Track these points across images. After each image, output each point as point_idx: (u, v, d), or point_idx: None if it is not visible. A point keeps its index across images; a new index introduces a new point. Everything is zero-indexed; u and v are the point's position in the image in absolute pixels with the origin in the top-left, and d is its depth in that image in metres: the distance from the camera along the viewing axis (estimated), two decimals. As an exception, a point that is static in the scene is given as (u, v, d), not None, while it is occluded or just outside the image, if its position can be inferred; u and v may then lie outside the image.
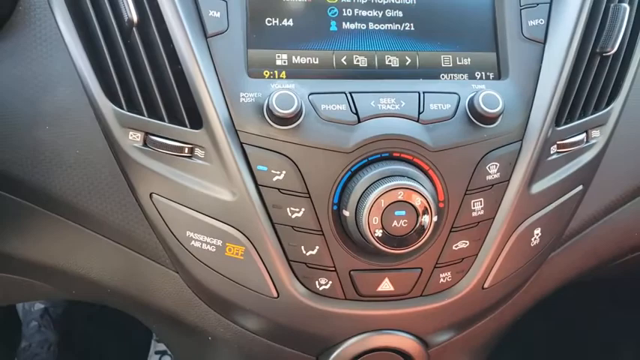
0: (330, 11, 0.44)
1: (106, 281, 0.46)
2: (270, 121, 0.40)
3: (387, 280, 0.43)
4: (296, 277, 0.42)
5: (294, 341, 0.46)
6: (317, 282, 0.42)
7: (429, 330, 0.46)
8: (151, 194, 0.42)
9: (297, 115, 0.40)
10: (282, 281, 0.42)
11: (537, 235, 0.46)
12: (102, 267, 0.46)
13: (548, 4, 0.45)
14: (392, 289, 0.43)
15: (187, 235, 0.42)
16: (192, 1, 0.41)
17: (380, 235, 0.39)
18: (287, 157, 0.40)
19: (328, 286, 0.42)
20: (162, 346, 1.08)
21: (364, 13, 0.44)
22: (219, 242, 0.42)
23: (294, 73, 0.43)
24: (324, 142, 0.40)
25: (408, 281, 0.43)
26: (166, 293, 0.46)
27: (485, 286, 0.45)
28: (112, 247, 0.44)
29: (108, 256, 0.45)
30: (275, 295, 0.42)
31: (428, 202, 0.39)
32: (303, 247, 0.41)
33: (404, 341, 0.45)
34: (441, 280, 0.44)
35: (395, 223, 0.39)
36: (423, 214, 0.39)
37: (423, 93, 0.42)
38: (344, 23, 0.44)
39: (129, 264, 0.45)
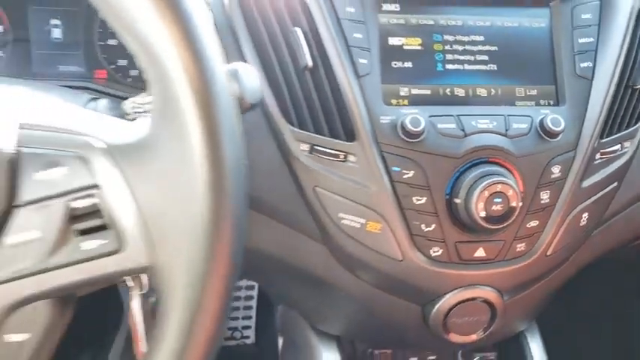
0: (437, 56, 0.62)
1: (272, 253, 0.63)
2: (402, 136, 0.57)
3: (481, 248, 0.60)
4: (416, 246, 0.59)
5: (408, 293, 0.63)
6: (431, 250, 0.59)
7: (507, 286, 0.63)
8: (314, 187, 0.59)
9: (422, 131, 0.57)
10: (406, 249, 0.59)
11: (585, 217, 0.63)
12: (271, 242, 0.63)
13: (594, 52, 0.62)
14: (484, 255, 0.60)
15: (339, 215, 0.59)
16: (348, 52, 0.58)
17: (483, 215, 0.56)
18: (414, 161, 0.57)
19: (439, 253, 0.59)
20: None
21: (461, 57, 0.62)
22: (363, 220, 0.59)
23: (414, 101, 0.60)
24: (440, 151, 0.58)
25: (495, 249, 0.60)
26: (315, 261, 0.63)
27: (548, 253, 0.62)
28: (280, 228, 0.62)
29: (276, 234, 0.62)
30: (400, 258, 0.59)
31: (515, 193, 0.56)
32: (423, 225, 0.58)
33: (489, 293, 0.63)
34: (518, 249, 0.61)
35: (494, 207, 0.56)
36: (512, 201, 0.56)
37: (507, 116, 0.59)
38: (447, 65, 0.62)
39: (291, 239, 0.62)
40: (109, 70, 0.75)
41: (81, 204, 0.31)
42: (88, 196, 0.31)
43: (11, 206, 0.31)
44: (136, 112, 0.39)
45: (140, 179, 0.31)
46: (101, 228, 0.31)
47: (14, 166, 0.31)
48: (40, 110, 0.34)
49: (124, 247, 0.31)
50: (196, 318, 0.31)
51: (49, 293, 0.31)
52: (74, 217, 0.31)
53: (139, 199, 0.31)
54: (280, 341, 0.89)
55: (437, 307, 0.63)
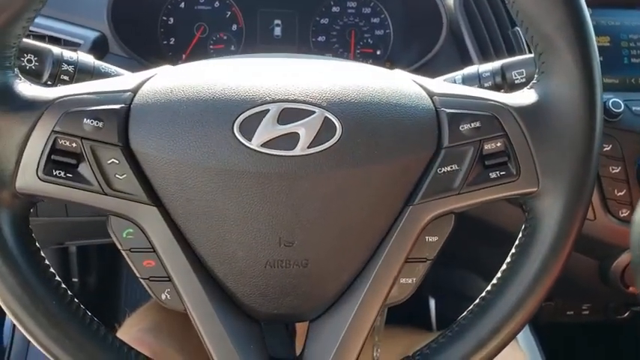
0: (623, 52, 0.74)
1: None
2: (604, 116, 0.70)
3: None
4: (607, 209, 0.71)
5: (591, 249, 0.75)
6: (620, 211, 0.71)
7: None
8: None
9: (622, 112, 0.69)
10: (598, 211, 0.71)
11: None
12: None
13: None
14: None
15: None
16: None
17: None
18: (612, 136, 0.70)
19: (626, 214, 0.71)
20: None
21: None
22: None
23: (606, 88, 0.72)
24: (634, 127, 0.70)
25: None
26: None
27: None
28: None
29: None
30: (592, 219, 0.72)
31: None
32: (615, 190, 0.71)
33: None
34: None
35: None
36: None
37: None
38: (632, 59, 0.74)
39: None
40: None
41: (491, 146, 0.45)
42: (496, 141, 0.45)
43: (439, 148, 0.45)
44: (517, 82, 0.54)
45: (535, 126, 0.45)
46: (503, 163, 0.45)
47: (439, 121, 0.45)
48: (442, 84, 0.49)
49: (519, 176, 0.45)
50: (565, 229, 0.44)
51: (462, 208, 0.45)
52: (484, 155, 0.45)
53: (532, 143, 0.44)
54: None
55: (617, 262, 0.75)
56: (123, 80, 0.46)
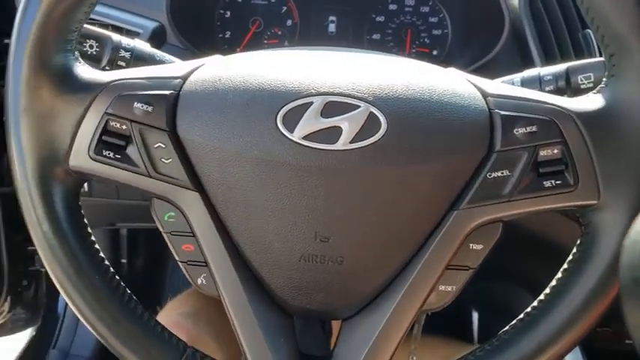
0: None
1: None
2: None
3: None
4: None
5: None
6: None
7: None
8: None
9: None
10: None
11: None
12: None
13: None
14: None
15: None
16: None
17: None
18: None
19: None
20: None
21: None
22: None
23: None
24: None
25: None
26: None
27: None
28: None
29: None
30: None
31: None
32: None
33: None
34: None
35: None
36: None
37: None
38: None
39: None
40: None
41: (547, 153, 0.42)
42: (553, 147, 0.42)
43: (491, 151, 0.43)
44: (583, 87, 0.51)
45: (599, 134, 0.42)
46: (559, 172, 0.42)
47: (492, 123, 0.43)
48: (498, 85, 0.47)
49: (576, 187, 0.42)
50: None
51: (510, 217, 0.43)
52: (539, 162, 0.42)
53: (594, 152, 0.41)
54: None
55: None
56: (174, 67, 0.47)
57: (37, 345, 1.11)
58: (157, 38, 0.76)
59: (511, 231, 0.46)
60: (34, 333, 1.11)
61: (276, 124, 0.42)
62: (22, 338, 1.13)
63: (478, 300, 1.07)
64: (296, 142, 0.42)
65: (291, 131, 0.42)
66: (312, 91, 0.43)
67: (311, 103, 0.42)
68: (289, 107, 0.42)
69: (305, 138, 0.42)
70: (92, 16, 0.76)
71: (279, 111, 0.42)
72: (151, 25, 0.75)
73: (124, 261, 1.17)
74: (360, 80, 0.43)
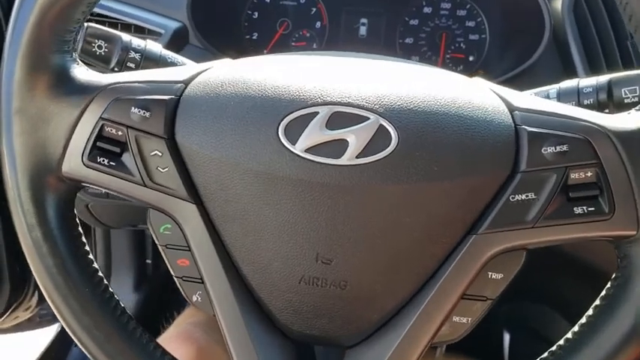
0: None
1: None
2: None
3: None
4: None
5: None
6: None
7: None
8: None
9: None
10: None
11: None
12: None
13: None
14: None
15: None
16: None
17: None
18: None
19: None
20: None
21: None
22: None
23: None
24: None
25: None
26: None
27: None
28: None
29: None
30: None
31: None
32: None
33: None
34: None
35: None
36: None
37: None
38: None
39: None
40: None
41: (579, 175, 0.37)
42: (586, 169, 0.37)
43: (515, 171, 0.39)
44: (627, 101, 0.46)
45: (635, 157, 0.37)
46: (592, 197, 0.37)
47: (517, 140, 0.39)
48: (526, 97, 0.42)
49: (612, 215, 0.37)
50: None
51: (535, 245, 0.39)
52: (569, 185, 0.38)
53: (634, 176, 0.36)
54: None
55: None
56: (178, 71, 0.44)
57: (61, 341, 1.12)
58: (180, 39, 0.74)
59: (542, 250, 0.41)
60: (59, 329, 1.13)
61: (278, 135, 0.39)
62: (48, 334, 1.14)
63: (510, 322, 1.01)
64: (298, 155, 0.39)
65: (293, 143, 0.39)
66: (318, 100, 0.39)
67: (316, 113, 0.39)
68: (292, 117, 0.39)
69: (308, 151, 0.39)
70: (113, 14, 0.76)
71: (281, 121, 0.39)
72: (174, 25, 0.73)
73: (149, 262, 1.17)
74: (371, 90, 0.40)
